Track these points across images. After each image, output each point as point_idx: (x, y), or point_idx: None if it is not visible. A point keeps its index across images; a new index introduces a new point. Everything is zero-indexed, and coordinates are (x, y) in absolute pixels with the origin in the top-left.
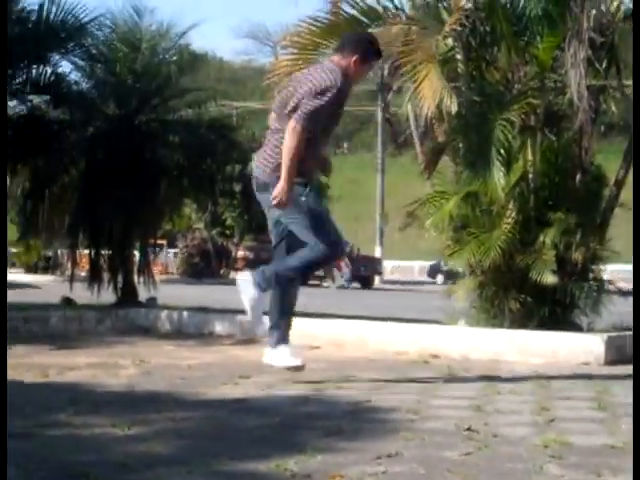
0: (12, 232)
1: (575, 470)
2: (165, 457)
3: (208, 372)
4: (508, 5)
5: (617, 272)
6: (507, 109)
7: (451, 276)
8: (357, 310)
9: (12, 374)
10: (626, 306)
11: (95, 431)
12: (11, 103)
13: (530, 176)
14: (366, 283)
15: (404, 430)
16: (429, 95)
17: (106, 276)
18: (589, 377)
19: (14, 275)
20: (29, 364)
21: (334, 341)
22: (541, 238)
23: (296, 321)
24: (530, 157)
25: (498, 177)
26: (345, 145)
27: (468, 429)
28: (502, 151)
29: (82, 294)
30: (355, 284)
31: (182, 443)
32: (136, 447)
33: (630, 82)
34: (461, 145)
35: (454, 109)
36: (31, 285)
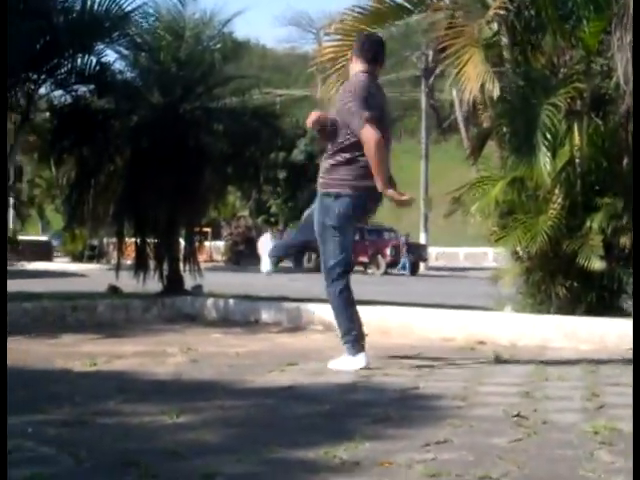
0: (58, 221)
1: (626, 457)
2: (214, 445)
3: (256, 360)
4: None
5: None
6: (553, 94)
7: None
8: (402, 297)
9: (60, 363)
10: None
11: (144, 419)
12: (56, 93)
13: (577, 161)
14: (411, 270)
15: (452, 417)
16: (472, 77)
17: (152, 264)
18: None
19: (60, 264)
20: (77, 353)
21: (380, 328)
22: (588, 223)
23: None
24: (577, 142)
25: (544, 162)
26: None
27: (517, 415)
28: (548, 136)
29: (128, 282)
30: (400, 270)
31: (231, 431)
32: (185, 435)
33: None
34: (506, 130)
35: (496, 93)
36: (78, 274)
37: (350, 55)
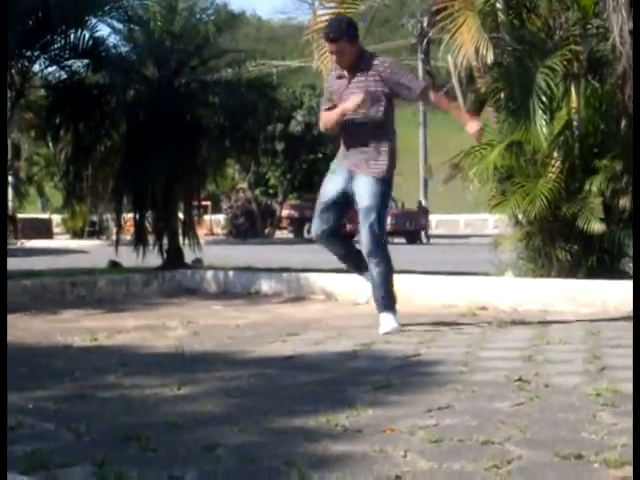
0: (57, 198)
1: (628, 417)
2: (216, 416)
3: (256, 331)
4: None
5: None
6: (549, 57)
7: None
8: (403, 265)
9: (61, 339)
10: None
11: (145, 392)
12: (51, 69)
13: (574, 124)
14: (411, 238)
15: (454, 382)
16: (467, 41)
17: (151, 239)
18: None
19: (60, 241)
20: (78, 328)
21: None
22: (587, 186)
23: (343, 277)
24: (574, 104)
25: (540, 125)
26: None
27: (519, 380)
28: (544, 99)
29: (129, 258)
30: (400, 239)
31: (232, 402)
32: (186, 407)
33: None
34: (503, 94)
35: (490, 58)
36: (79, 250)
37: (345, 43)
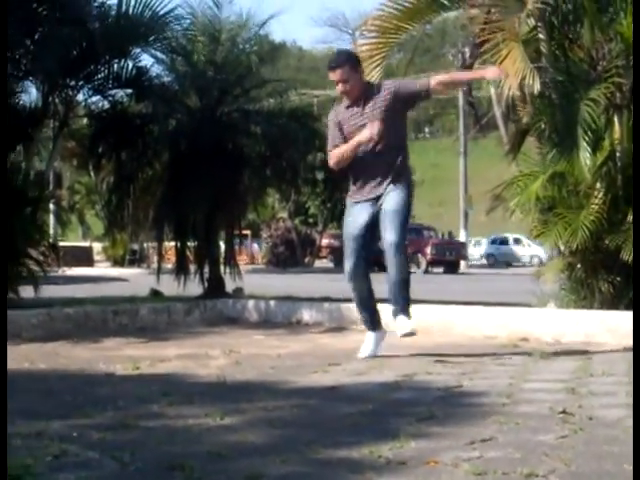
0: (98, 226)
1: None
2: (259, 446)
3: (298, 361)
4: None
5: None
6: (593, 88)
7: None
8: (443, 295)
9: (103, 367)
10: None
11: (188, 422)
12: (94, 98)
13: (617, 155)
14: (451, 268)
15: (497, 414)
16: (512, 73)
17: (192, 268)
18: None
19: (101, 269)
20: (120, 357)
21: (421, 327)
22: (630, 217)
23: (383, 308)
24: (617, 135)
25: (584, 157)
26: (426, 129)
27: (563, 412)
28: (589, 132)
29: (170, 286)
30: (439, 269)
31: (275, 432)
32: (230, 437)
33: None
34: (546, 126)
35: (537, 88)
36: (120, 278)
37: (348, 71)
